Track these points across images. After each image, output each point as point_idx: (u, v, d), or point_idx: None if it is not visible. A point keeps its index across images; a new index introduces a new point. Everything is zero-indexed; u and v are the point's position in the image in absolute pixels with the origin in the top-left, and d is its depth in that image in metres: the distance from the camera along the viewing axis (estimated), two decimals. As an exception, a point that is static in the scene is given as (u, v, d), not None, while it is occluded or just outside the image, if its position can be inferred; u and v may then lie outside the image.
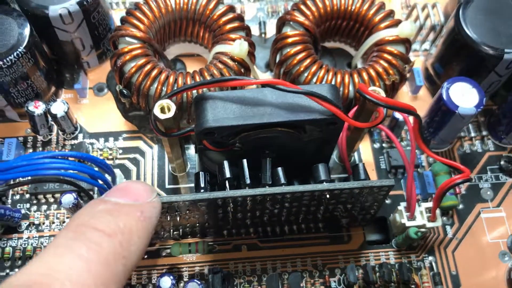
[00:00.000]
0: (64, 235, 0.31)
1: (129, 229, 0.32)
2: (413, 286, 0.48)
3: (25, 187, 0.51)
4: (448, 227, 0.51)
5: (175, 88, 0.48)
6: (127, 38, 0.50)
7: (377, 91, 0.42)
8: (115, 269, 0.30)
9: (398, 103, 0.41)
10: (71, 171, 0.40)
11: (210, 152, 0.47)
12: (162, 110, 0.40)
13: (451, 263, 0.49)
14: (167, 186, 0.52)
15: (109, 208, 0.33)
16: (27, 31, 0.48)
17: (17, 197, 0.51)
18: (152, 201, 0.35)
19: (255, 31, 0.61)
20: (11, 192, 0.51)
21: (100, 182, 0.42)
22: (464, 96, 0.48)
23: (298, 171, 0.46)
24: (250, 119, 0.40)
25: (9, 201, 0.50)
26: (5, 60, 0.47)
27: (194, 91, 0.48)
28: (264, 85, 0.41)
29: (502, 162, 0.54)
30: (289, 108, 0.41)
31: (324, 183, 0.42)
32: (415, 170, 0.53)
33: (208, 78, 0.48)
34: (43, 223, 0.50)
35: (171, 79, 0.48)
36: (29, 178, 0.41)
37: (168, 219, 0.43)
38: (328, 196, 0.42)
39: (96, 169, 0.43)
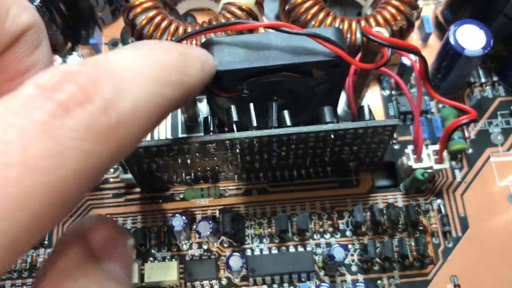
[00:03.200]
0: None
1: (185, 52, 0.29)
2: (421, 227, 0.49)
3: None
4: (457, 171, 0.51)
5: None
6: (138, -8, 0.51)
7: (380, 32, 0.42)
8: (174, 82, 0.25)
9: (400, 42, 0.41)
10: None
11: (220, 100, 0.48)
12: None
13: (460, 206, 0.50)
14: (180, 135, 0.53)
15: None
16: (41, -16, 0.50)
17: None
18: None
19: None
20: None
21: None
22: (471, 38, 0.48)
23: (307, 118, 0.47)
24: (255, 62, 0.41)
25: None
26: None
27: (204, 39, 0.49)
28: (269, 29, 0.42)
29: (513, 107, 0.54)
30: (294, 51, 0.42)
31: (329, 124, 0.43)
32: (424, 116, 0.53)
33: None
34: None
35: (181, 29, 0.50)
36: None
37: (179, 162, 0.45)
38: (333, 137, 0.43)
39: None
